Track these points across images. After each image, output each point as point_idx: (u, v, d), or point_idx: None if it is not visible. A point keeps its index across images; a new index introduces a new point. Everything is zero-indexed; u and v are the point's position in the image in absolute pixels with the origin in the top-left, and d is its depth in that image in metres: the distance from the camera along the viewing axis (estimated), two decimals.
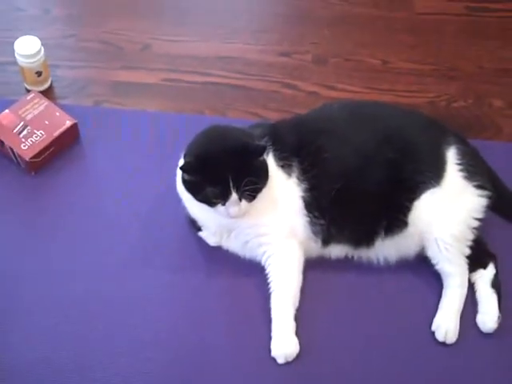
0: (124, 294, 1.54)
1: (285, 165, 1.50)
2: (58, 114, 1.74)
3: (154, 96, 1.90)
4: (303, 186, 1.49)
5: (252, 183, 1.39)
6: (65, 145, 1.74)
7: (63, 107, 1.79)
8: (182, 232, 1.63)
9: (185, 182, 1.44)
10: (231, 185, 1.37)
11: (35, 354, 1.45)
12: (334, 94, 1.94)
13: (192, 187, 1.43)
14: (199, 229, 1.59)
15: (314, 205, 1.49)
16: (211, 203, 1.42)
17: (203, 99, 1.89)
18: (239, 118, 1.83)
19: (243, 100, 1.90)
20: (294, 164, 1.50)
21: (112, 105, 1.87)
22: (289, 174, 1.50)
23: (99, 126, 1.80)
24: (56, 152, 1.72)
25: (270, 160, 1.49)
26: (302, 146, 1.51)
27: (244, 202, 1.41)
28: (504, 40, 2.10)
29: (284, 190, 1.49)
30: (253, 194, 1.41)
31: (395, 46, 2.07)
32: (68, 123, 1.73)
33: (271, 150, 1.50)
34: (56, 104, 1.80)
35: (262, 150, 1.41)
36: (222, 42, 2.03)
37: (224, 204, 1.40)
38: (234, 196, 1.39)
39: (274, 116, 1.83)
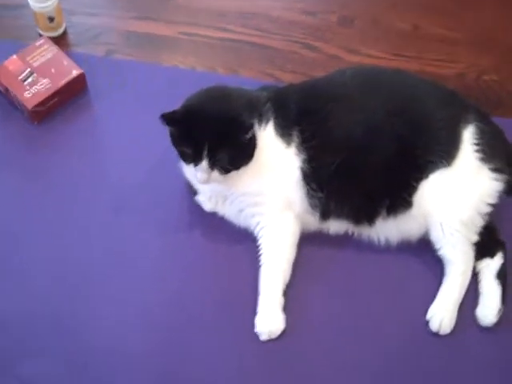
0: (118, 253, 1.52)
1: (285, 133, 1.43)
2: (65, 62, 1.70)
3: (168, 49, 1.84)
4: (302, 156, 1.42)
5: (226, 160, 1.34)
6: (71, 95, 1.70)
7: (74, 55, 1.75)
8: (180, 195, 1.58)
9: (170, 130, 1.39)
10: (205, 152, 1.33)
11: (31, 306, 1.45)
12: (356, 58, 1.84)
13: (172, 137, 1.39)
14: (196, 193, 1.54)
15: (313, 177, 1.43)
16: (184, 160, 1.39)
17: (218, 55, 1.83)
18: (252, 77, 1.76)
19: (259, 59, 1.82)
20: (294, 133, 1.43)
21: (124, 56, 1.82)
22: (288, 144, 1.43)
23: (108, 77, 1.75)
24: (61, 102, 1.69)
25: (270, 127, 1.43)
26: (305, 113, 1.44)
27: (215, 172, 1.36)
28: None
29: (282, 160, 1.43)
30: (224, 170, 1.36)
31: (429, 10, 1.94)
32: (74, 73, 1.69)
33: (272, 117, 1.43)
34: (68, 52, 1.77)
35: (245, 129, 1.34)
36: None
37: (195, 166, 1.36)
38: (205, 164, 1.34)
39: (289, 78, 1.76)
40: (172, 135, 1.38)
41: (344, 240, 1.52)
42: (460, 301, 1.45)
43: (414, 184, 1.44)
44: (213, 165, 1.35)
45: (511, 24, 1.91)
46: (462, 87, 1.74)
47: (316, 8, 1.93)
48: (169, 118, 1.35)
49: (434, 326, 1.42)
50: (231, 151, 1.34)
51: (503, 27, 1.90)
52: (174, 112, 1.36)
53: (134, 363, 1.40)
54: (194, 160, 1.36)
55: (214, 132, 1.33)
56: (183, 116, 1.36)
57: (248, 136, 1.35)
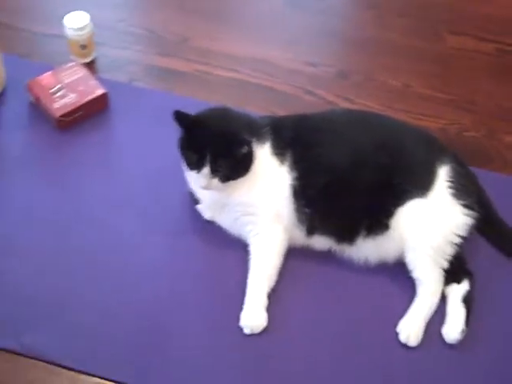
0: (121, 248, 1.68)
1: (279, 153, 1.61)
2: (92, 82, 1.92)
3: (183, 83, 2.05)
4: (293, 174, 1.60)
5: (225, 169, 1.52)
6: (94, 111, 1.90)
7: (100, 79, 1.96)
8: (183, 203, 1.75)
9: (181, 137, 1.56)
10: (207, 159, 1.51)
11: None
12: (350, 106, 2.03)
13: (181, 141, 1.56)
14: (197, 202, 1.71)
15: (302, 194, 1.59)
16: (189, 166, 1.56)
17: (227, 92, 2.03)
18: (257, 111, 1.96)
19: (264, 98, 2.02)
20: (287, 154, 1.61)
21: (145, 84, 2.03)
22: (281, 162, 1.61)
23: (129, 101, 1.96)
24: (85, 116, 1.88)
25: (267, 147, 1.61)
26: (297, 139, 1.62)
27: (215, 180, 1.54)
28: None
29: (275, 176, 1.60)
30: (223, 178, 1.53)
31: (419, 73, 2.16)
32: (99, 91, 1.90)
33: (269, 139, 1.62)
34: (95, 76, 1.97)
35: (242, 143, 1.52)
36: (256, 46, 2.17)
37: (198, 172, 1.53)
38: (207, 170, 1.52)
39: None
40: (181, 139, 1.56)
41: (327, 257, 1.66)
42: (428, 318, 1.58)
43: (392, 209, 1.60)
44: (213, 172, 1.53)
45: (492, 91, 2.12)
46: (443, 140, 1.92)
47: (317, 61, 2.15)
48: (179, 116, 1.53)
49: (402, 337, 1.55)
50: (229, 162, 1.52)
51: (484, 93, 2.12)
52: (186, 114, 1.54)
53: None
54: (198, 166, 1.53)
55: (215, 143, 1.52)
56: (192, 122, 1.54)
57: (243, 150, 1.53)
